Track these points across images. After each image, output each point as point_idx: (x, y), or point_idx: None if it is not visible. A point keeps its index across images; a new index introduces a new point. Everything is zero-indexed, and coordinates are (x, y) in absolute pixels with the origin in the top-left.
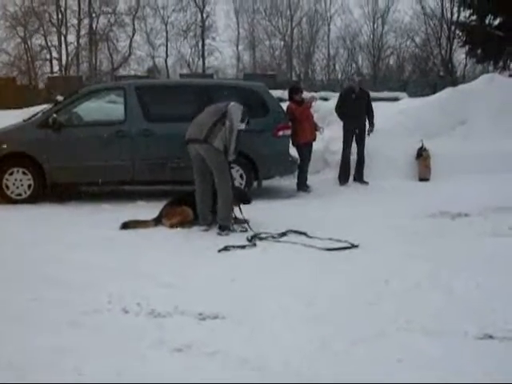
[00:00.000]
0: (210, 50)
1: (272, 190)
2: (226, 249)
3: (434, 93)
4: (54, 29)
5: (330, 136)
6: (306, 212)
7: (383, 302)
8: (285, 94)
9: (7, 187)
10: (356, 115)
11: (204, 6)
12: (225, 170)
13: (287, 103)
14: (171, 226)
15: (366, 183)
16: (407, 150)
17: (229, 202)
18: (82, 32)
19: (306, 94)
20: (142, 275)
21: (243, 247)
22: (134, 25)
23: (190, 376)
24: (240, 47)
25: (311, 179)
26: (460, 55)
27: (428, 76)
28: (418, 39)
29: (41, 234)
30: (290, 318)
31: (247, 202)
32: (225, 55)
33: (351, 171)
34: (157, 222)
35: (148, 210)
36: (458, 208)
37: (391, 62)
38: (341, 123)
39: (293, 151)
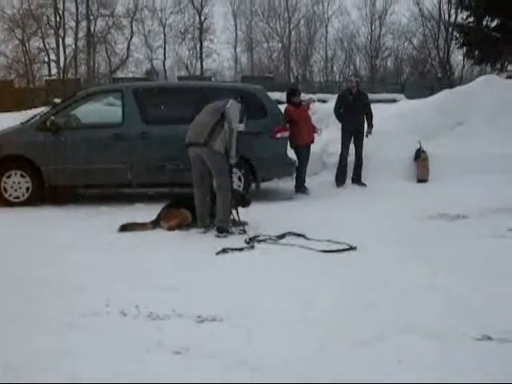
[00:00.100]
0: (207, 52)
1: (270, 192)
2: (224, 251)
3: (431, 94)
4: (52, 31)
5: (327, 138)
6: (305, 214)
7: (382, 304)
8: (283, 96)
9: (5, 190)
10: (354, 117)
11: (202, 8)
12: (225, 173)
13: (285, 105)
14: (169, 229)
15: (364, 185)
16: (405, 152)
17: (228, 204)
18: (80, 34)
19: (303, 96)
20: (140, 278)
21: (241, 249)
22: (131, 27)
23: (189, 378)
24: (238, 49)
25: (309, 181)
26: (457, 57)
27: (426, 77)
28: (415, 41)
29: (39, 236)
30: (289, 320)
31: (246, 204)
32: (223, 57)
33: (348, 173)
34: (155, 224)
35: (146, 212)
36: (457, 210)
37: (389, 63)
38: (339, 125)
39: (291, 153)
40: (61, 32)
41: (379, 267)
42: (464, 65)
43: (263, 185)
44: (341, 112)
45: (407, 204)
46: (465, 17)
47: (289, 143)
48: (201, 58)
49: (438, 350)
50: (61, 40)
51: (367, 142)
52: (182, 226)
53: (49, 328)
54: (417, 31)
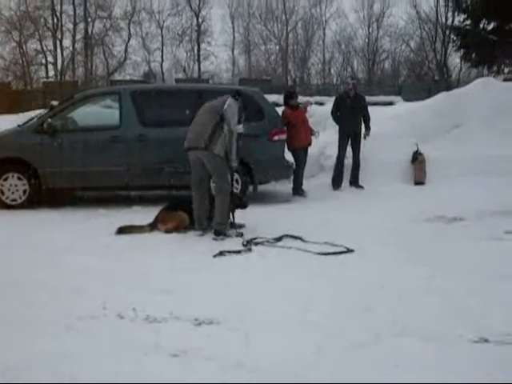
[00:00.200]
0: (205, 54)
1: (267, 194)
2: (221, 254)
3: (428, 97)
4: (50, 33)
5: (325, 140)
6: (302, 216)
7: (379, 306)
8: (280, 98)
9: (2, 192)
10: (351, 119)
11: (199, 11)
12: (225, 176)
13: (282, 108)
14: (167, 231)
15: (362, 187)
16: (402, 154)
17: (226, 207)
18: (78, 36)
19: (301, 99)
20: (137, 280)
21: (238, 252)
22: (129, 29)
23: (186, 381)
24: (235, 52)
25: (306, 184)
26: (455, 59)
27: (423, 80)
28: (412, 43)
29: (36, 239)
30: (286, 323)
31: (243, 206)
32: (220, 60)
33: (346, 175)
34: (152, 227)
35: (143, 215)
36: (454, 212)
37: (386, 66)
38: (336, 127)
39: (288, 156)
40: (58, 34)
41: (376, 269)
42: (461, 67)
43: (261, 187)
44: (338, 115)
45: (404, 206)
46: (462, 20)
47: (286, 146)
48: (198, 60)
49: (435, 352)
50: (58, 42)
51: (364, 145)
52: (179, 228)
53: (47, 331)
54: (414, 34)
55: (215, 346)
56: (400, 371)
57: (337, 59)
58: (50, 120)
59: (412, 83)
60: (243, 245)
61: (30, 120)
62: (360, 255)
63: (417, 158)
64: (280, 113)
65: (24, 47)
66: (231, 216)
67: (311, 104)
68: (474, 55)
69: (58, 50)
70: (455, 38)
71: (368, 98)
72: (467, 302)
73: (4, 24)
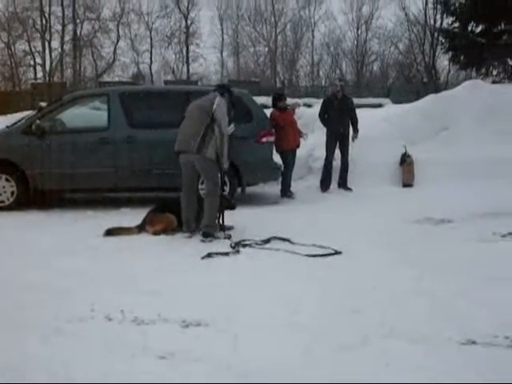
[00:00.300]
0: (194, 56)
1: (256, 196)
2: (209, 256)
3: (417, 99)
4: (38, 34)
5: (313, 142)
6: (290, 218)
7: (367, 308)
8: (269, 100)
9: None
10: (339, 121)
11: (188, 13)
12: (215, 179)
13: (271, 110)
14: (155, 233)
15: (350, 190)
16: (391, 156)
17: (215, 210)
18: (66, 38)
19: (289, 101)
20: (125, 282)
21: (227, 254)
22: (118, 31)
23: (174, 382)
24: (224, 54)
25: (295, 186)
26: (443, 61)
27: (411, 82)
28: (401, 46)
29: (24, 240)
30: (274, 325)
31: (231, 208)
32: (209, 62)
33: (334, 177)
34: (140, 229)
35: (132, 216)
36: (442, 214)
37: (375, 68)
38: (324, 129)
39: (276, 158)
40: (47, 35)
41: (364, 271)
42: (449, 70)
43: (249, 189)
44: (326, 117)
45: (392, 208)
46: (450, 22)
47: (274, 148)
48: (187, 62)
49: (423, 354)
50: (47, 43)
51: (353, 147)
52: (167, 230)
53: (36, 333)
54: (403, 36)
55: (203, 347)
56: (388, 372)
57: (325, 61)
58: (38, 121)
59: (401, 85)
60: (231, 247)
61: (19, 121)
62: (348, 257)
63: (405, 160)
64: (268, 115)
65: (12, 48)
66: (220, 218)
67: (299, 106)
68: (462, 57)
69: (47, 52)
70: (444, 41)
71: (357, 100)
72: (455, 303)
73: None
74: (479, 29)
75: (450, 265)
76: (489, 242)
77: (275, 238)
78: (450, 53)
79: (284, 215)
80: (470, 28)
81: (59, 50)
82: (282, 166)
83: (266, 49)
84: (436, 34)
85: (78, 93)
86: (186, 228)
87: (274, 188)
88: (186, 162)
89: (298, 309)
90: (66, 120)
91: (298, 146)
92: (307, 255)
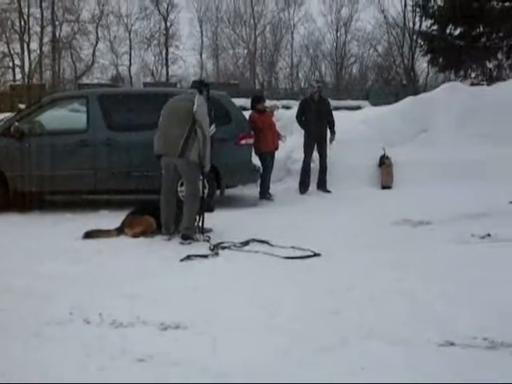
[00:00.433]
0: (173, 58)
1: (234, 198)
2: (188, 258)
3: (396, 101)
4: (17, 36)
5: (292, 145)
6: (269, 221)
7: (346, 310)
8: (248, 102)
9: None
10: (317, 123)
11: (168, 15)
12: (196, 182)
13: (250, 112)
14: (134, 236)
15: (329, 192)
16: (370, 158)
17: (194, 212)
18: (45, 40)
19: (268, 103)
20: (103, 285)
21: (205, 256)
22: (97, 33)
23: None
24: (203, 56)
25: (274, 188)
26: (422, 64)
27: (390, 84)
28: (380, 48)
29: (3, 243)
30: (253, 328)
31: (209, 210)
32: (188, 64)
33: (313, 179)
34: (119, 231)
35: (111, 219)
36: (421, 216)
37: (354, 70)
38: (303, 131)
39: (255, 160)
40: (25, 37)
41: (344, 273)
42: (428, 72)
43: (227, 191)
44: (303, 119)
45: (371, 210)
46: (429, 25)
47: (253, 150)
48: (166, 64)
49: (402, 355)
50: (25, 45)
51: (331, 149)
52: (146, 233)
53: (14, 337)
54: (382, 38)
55: (182, 350)
56: (367, 373)
57: (305, 63)
58: (17, 123)
59: (380, 87)
60: (210, 249)
61: None
62: (327, 259)
63: (384, 163)
64: (247, 117)
65: None
66: (199, 220)
67: (278, 108)
68: (441, 60)
69: (26, 53)
70: (422, 43)
71: (336, 103)
72: (434, 305)
73: None
74: (458, 31)
75: (429, 267)
76: (467, 244)
77: (254, 240)
78: (429, 55)
79: (263, 217)
80: (448, 31)
81: (38, 51)
82: (261, 168)
83: (246, 51)
84: (415, 37)
85: (57, 95)
86: (164, 230)
87: (253, 190)
88: (169, 164)
89: (276, 311)
90: (45, 122)
91: (276, 148)
92: (286, 257)
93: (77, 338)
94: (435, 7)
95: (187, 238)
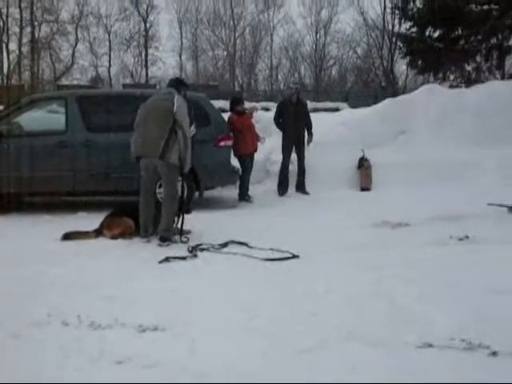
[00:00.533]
0: (153, 59)
1: (213, 200)
2: (166, 260)
3: (375, 103)
4: None
5: (271, 146)
6: (248, 222)
7: (325, 312)
8: (227, 104)
9: None
10: (294, 125)
11: (147, 16)
12: (175, 183)
13: (229, 114)
14: (112, 238)
15: (308, 193)
16: (348, 160)
17: (173, 214)
18: (24, 40)
19: (247, 105)
20: (82, 287)
21: (184, 258)
22: (76, 34)
23: None
24: (183, 57)
25: (253, 189)
26: (401, 66)
27: (370, 87)
28: (359, 50)
29: None
30: (231, 330)
31: (187, 212)
32: (168, 65)
33: (291, 181)
34: (98, 233)
35: (89, 221)
36: (400, 217)
37: (333, 72)
38: (281, 133)
39: (234, 161)
40: (4, 38)
41: (322, 275)
42: (407, 74)
43: (206, 193)
44: (280, 121)
45: (350, 212)
46: (408, 27)
47: (232, 152)
48: (146, 65)
49: (381, 357)
50: (4, 46)
51: (309, 151)
52: (125, 234)
53: None
54: (361, 40)
55: (160, 352)
56: (346, 374)
57: (284, 65)
58: None
59: (359, 89)
60: (189, 251)
61: None
62: (306, 261)
63: (363, 164)
64: (226, 119)
65: None
66: (178, 222)
67: (257, 110)
68: (420, 62)
69: (4, 54)
70: (402, 45)
71: (315, 105)
72: (413, 307)
73: None
74: (437, 34)
75: (408, 268)
76: (446, 246)
77: (233, 241)
78: (408, 57)
79: (242, 219)
80: (427, 33)
81: (17, 52)
82: (240, 169)
83: (225, 52)
84: (394, 39)
85: (36, 96)
86: (143, 232)
87: (232, 192)
88: (149, 165)
89: (255, 313)
90: (24, 123)
91: (255, 150)
92: (265, 259)
93: (55, 339)
94: (414, 9)
95: (165, 239)
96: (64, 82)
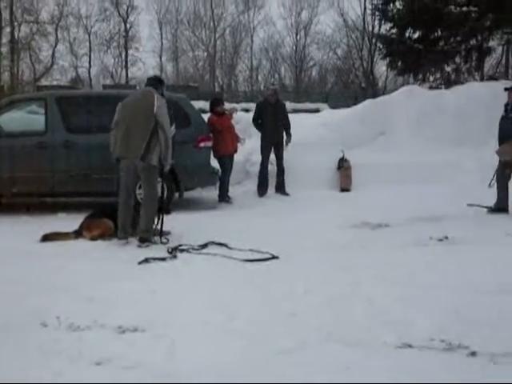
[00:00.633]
0: (133, 60)
1: (193, 201)
2: (146, 261)
3: (355, 104)
4: None
5: (251, 147)
6: (228, 223)
7: (304, 313)
8: (207, 105)
9: None
10: (273, 126)
11: (128, 17)
12: (154, 184)
13: (208, 115)
14: (92, 239)
15: (287, 194)
16: (328, 161)
17: (152, 215)
18: (4, 40)
19: (227, 106)
20: (61, 288)
21: (164, 259)
22: (56, 34)
23: None
24: (163, 58)
25: (232, 190)
26: (381, 67)
27: (350, 88)
28: (340, 51)
29: None
30: (211, 331)
31: (166, 212)
32: (148, 66)
33: (271, 182)
34: (77, 234)
35: (69, 222)
36: (379, 218)
37: (314, 73)
38: (260, 134)
39: (214, 162)
40: None
41: (302, 276)
42: (387, 75)
43: (186, 194)
44: (259, 122)
45: (330, 213)
46: (388, 28)
47: (212, 153)
48: (126, 66)
49: (360, 357)
50: None
51: (291, 152)
52: (104, 235)
53: None
54: (341, 42)
55: (140, 353)
56: (325, 375)
57: (264, 66)
58: None
59: (339, 90)
60: (168, 252)
61: None
62: (285, 262)
63: (342, 165)
64: (206, 120)
65: None
66: (158, 223)
67: (237, 111)
68: (399, 63)
69: None
70: (381, 47)
71: (295, 106)
72: (392, 308)
73: None
74: (416, 35)
75: (388, 269)
76: (426, 246)
77: (213, 242)
78: (388, 59)
79: (221, 220)
80: (407, 34)
81: None
82: (220, 170)
83: (205, 53)
84: (374, 40)
85: (16, 96)
86: (121, 233)
87: (212, 193)
88: (129, 166)
89: (234, 314)
90: (3, 124)
91: (235, 151)
92: (244, 260)
93: (34, 341)
94: (394, 11)
95: (145, 240)
96: (44, 82)
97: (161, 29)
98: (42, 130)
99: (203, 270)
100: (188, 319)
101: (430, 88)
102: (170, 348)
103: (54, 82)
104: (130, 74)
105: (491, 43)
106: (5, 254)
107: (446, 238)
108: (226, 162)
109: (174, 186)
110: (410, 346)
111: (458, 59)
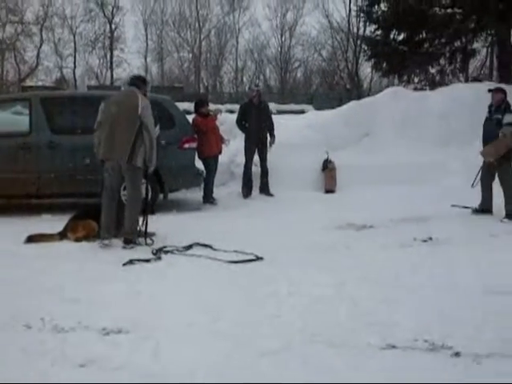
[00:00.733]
0: (118, 61)
1: (178, 202)
2: (131, 262)
3: (340, 105)
4: None
5: (235, 148)
6: (212, 225)
7: (289, 314)
8: (192, 106)
9: None
10: (257, 127)
11: (113, 17)
12: (139, 186)
13: (193, 116)
14: (76, 240)
15: (272, 195)
16: (313, 162)
17: (137, 216)
18: None
19: (211, 107)
20: (46, 290)
21: (148, 261)
22: (41, 35)
23: None
24: (148, 59)
25: (217, 192)
26: (366, 69)
27: (335, 89)
28: (325, 53)
29: None
30: (195, 332)
31: (150, 213)
32: (133, 67)
33: (255, 183)
34: (62, 235)
35: (53, 223)
36: (364, 219)
37: (299, 74)
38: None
39: (199, 164)
40: None
41: (286, 277)
42: (372, 77)
43: (171, 195)
44: (243, 123)
45: (314, 214)
46: (373, 30)
47: (197, 154)
48: (111, 67)
49: (344, 358)
50: None
51: (276, 153)
52: (89, 237)
53: None
54: (326, 43)
55: (124, 355)
56: (309, 376)
57: (249, 67)
58: None
59: (324, 92)
60: (153, 253)
61: None
62: (270, 263)
63: (327, 166)
64: (191, 121)
65: None
66: (143, 224)
67: (221, 112)
68: (384, 65)
69: None
70: (366, 48)
71: (279, 107)
72: (376, 309)
73: None
74: (401, 37)
75: (372, 271)
76: (410, 247)
77: (197, 244)
78: (373, 60)
79: (206, 221)
80: (392, 36)
81: None
82: (205, 172)
83: (191, 55)
84: (359, 42)
85: (0, 97)
86: (105, 234)
87: (197, 194)
88: (114, 167)
89: (219, 315)
90: None
91: (220, 152)
92: (229, 261)
93: (18, 342)
94: (379, 12)
95: (129, 242)
96: (29, 83)
97: (146, 30)
98: (27, 130)
99: (188, 272)
100: (173, 321)
101: (415, 89)
102: (154, 349)
103: (39, 83)
104: (115, 75)
105: (475, 45)
106: None
107: (431, 238)
108: (211, 163)
109: (159, 187)
110: (394, 346)
111: (442, 61)
